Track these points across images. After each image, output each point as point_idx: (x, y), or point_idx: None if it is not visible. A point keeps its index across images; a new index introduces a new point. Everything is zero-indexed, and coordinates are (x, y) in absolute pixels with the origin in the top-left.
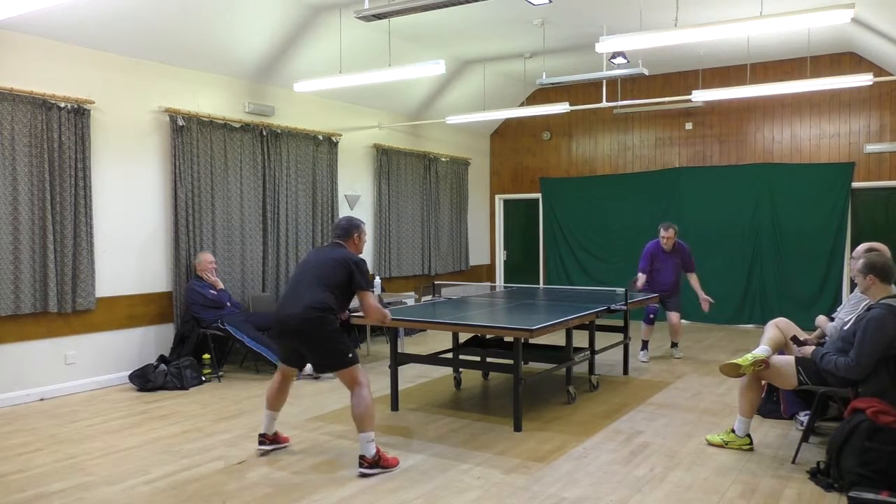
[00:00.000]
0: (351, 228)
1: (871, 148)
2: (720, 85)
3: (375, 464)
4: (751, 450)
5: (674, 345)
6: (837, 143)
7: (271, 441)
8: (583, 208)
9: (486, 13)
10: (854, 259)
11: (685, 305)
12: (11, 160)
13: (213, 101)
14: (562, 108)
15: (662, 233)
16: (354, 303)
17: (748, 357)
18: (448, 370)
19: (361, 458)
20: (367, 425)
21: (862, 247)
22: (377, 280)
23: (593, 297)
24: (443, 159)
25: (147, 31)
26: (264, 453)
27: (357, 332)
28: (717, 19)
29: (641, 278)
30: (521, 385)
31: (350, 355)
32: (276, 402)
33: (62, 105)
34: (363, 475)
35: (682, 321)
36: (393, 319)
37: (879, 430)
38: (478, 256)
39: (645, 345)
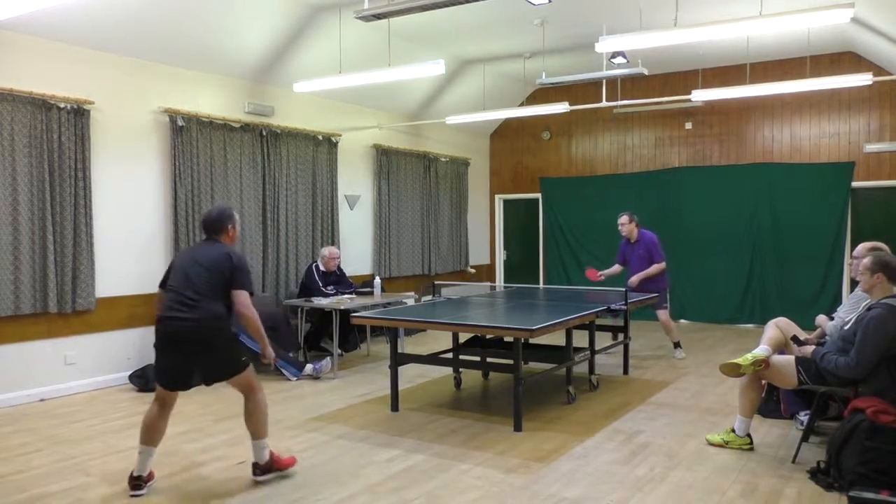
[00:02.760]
0: (223, 220)
1: (871, 147)
2: (720, 84)
3: (269, 468)
4: (751, 449)
5: (675, 346)
6: (837, 143)
7: (146, 482)
8: (583, 208)
9: (486, 13)
10: (855, 258)
11: (685, 305)
12: (11, 161)
13: (212, 101)
14: (561, 108)
15: (618, 221)
16: (356, 304)
17: (748, 357)
18: (448, 370)
19: (255, 465)
20: (262, 432)
21: (863, 246)
22: (377, 280)
23: (593, 297)
24: (442, 159)
25: (147, 31)
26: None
27: (357, 333)
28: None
29: (610, 270)
30: (521, 385)
31: (244, 358)
32: (155, 435)
33: (62, 105)
34: (258, 482)
35: (683, 321)
36: (393, 319)
37: (879, 430)
38: (478, 256)
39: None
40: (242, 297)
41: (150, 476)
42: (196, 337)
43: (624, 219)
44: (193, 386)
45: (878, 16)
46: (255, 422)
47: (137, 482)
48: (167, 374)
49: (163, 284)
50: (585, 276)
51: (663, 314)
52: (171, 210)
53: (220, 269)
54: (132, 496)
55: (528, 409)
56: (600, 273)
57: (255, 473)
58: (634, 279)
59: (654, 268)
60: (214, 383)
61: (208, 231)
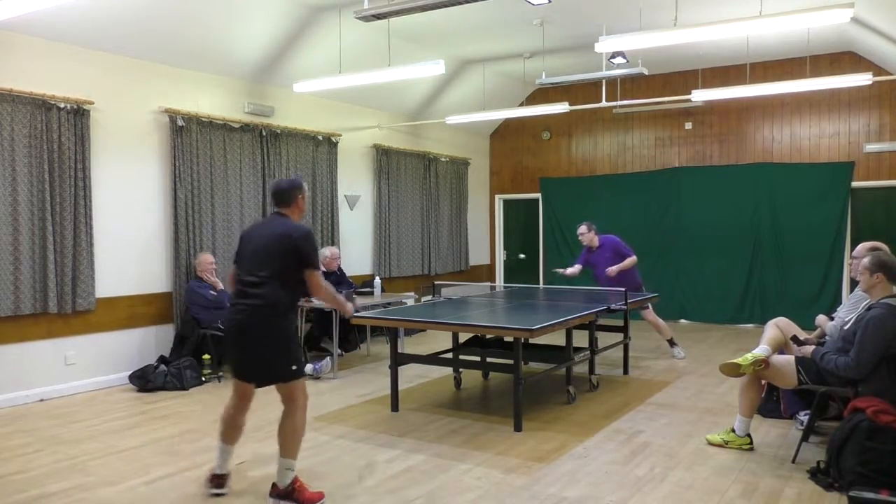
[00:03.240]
0: (293, 190)
1: (871, 147)
2: (720, 84)
3: (288, 495)
4: (751, 449)
5: (671, 344)
6: (837, 143)
7: (226, 480)
8: (583, 208)
9: (486, 13)
10: (855, 258)
11: (685, 305)
12: (11, 161)
13: (212, 101)
14: (561, 108)
15: (577, 232)
16: (357, 304)
17: (748, 356)
18: (448, 370)
19: (273, 486)
20: (291, 451)
21: (863, 246)
22: (377, 280)
23: (593, 297)
24: (442, 159)
25: (146, 31)
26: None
27: (357, 333)
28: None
29: (573, 269)
30: (521, 385)
31: (295, 367)
32: (232, 432)
33: (62, 105)
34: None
35: (683, 321)
36: (393, 320)
37: (879, 430)
38: (478, 256)
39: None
40: (313, 279)
41: (229, 476)
42: (249, 322)
43: (583, 228)
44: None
45: (877, 16)
46: (286, 437)
47: (220, 480)
48: (232, 363)
49: (235, 262)
50: (558, 272)
51: (648, 313)
52: (171, 210)
53: (282, 248)
54: (214, 494)
55: (528, 409)
56: (563, 271)
57: (270, 494)
58: (613, 269)
59: (629, 261)
60: (262, 386)
61: (277, 202)
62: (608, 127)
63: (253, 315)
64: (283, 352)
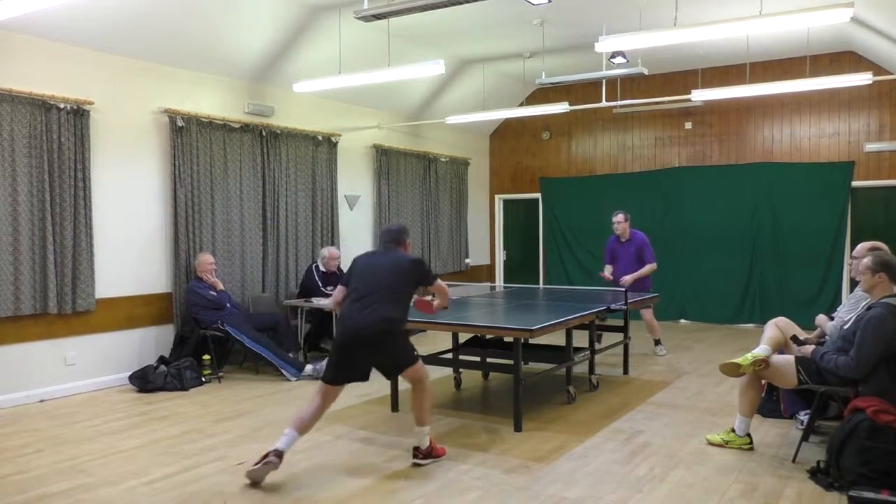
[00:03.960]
0: (403, 234)
1: (871, 147)
2: (720, 84)
3: (429, 454)
4: (751, 449)
5: (656, 343)
6: (837, 143)
7: (281, 459)
8: (583, 208)
9: (486, 13)
10: (855, 258)
11: (685, 305)
12: (11, 161)
13: (212, 101)
14: (561, 107)
15: (613, 219)
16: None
17: (748, 356)
18: (448, 370)
19: (416, 448)
20: (425, 419)
21: (863, 245)
22: None
23: (593, 297)
24: (442, 159)
25: (146, 31)
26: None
27: None
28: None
29: (608, 269)
30: (521, 385)
31: (415, 353)
32: (305, 426)
33: (61, 106)
34: (417, 465)
35: (683, 320)
36: None
37: (879, 430)
38: (478, 256)
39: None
40: (438, 285)
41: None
42: (374, 338)
43: (620, 217)
44: (365, 380)
45: (877, 15)
46: (420, 408)
47: (278, 454)
48: (342, 369)
49: (345, 283)
50: (606, 279)
51: (648, 313)
52: (171, 210)
53: (405, 272)
54: (265, 464)
55: (528, 409)
56: (608, 274)
57: (415, 457)
58: (628, 279)
59: (648, 268)
60: (395, 376)
61: (390, 241)
62: (608, 127)
63: (385, 328)
64: (406, 346)
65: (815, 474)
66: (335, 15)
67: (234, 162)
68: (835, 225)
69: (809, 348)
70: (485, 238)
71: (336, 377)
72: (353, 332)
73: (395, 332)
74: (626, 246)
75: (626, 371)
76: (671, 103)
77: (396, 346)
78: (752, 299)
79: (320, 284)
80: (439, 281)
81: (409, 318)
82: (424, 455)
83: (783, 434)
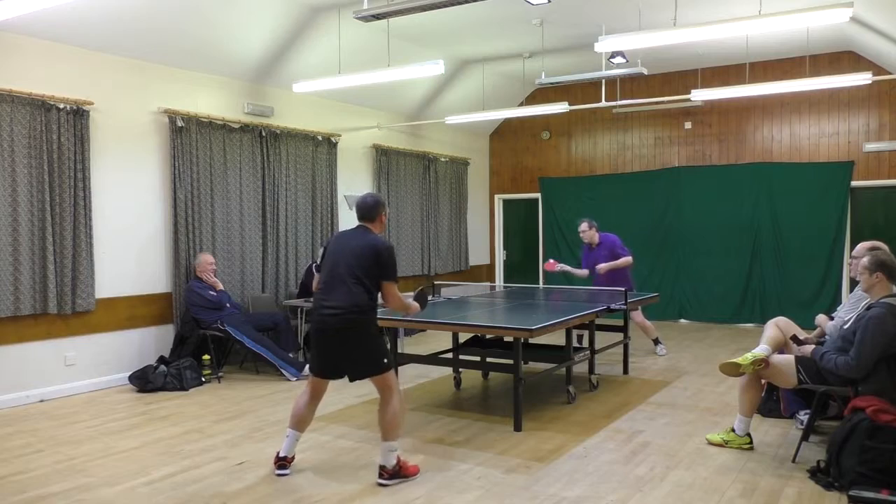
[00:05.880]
0: (377, 206)
1: (871, 147)
2: (719, 84)
3: (396, 474)
4: (751, 449)
5: (655, 342)
6: (837, 142)
7: (290, 463)
8: (582, 208)
9: (486, 13)
10: (854, 258)
11: (685, 305)
12: (11, 161)
13: (212, 101)
14: (561, 107)
15: (578, 229)
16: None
17: (748, 356)
18: (448, 370)
19: (381, 468)
20: (392, 435)
21: (863, 245)
22: None
23: (593, 297)
24: (442, 159)
25: (146, 32)
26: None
27: None
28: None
29: (576, 270)
30: (521, 385)
31: (386, 360)
32: (302, 422)
33: (61, 106)
34: (382, 485)
35: (683, 320)
36: (392, 320)
37: (879, 429)
38: (477, 256)
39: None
40: (388, 289)
41: (293, 459)
42: (338, 326)
43: (584, 226)
44: (342, 377)
45: (877, 15)
46: (387, 423)
47: (283, 462)
48: (317, 361)
49: (318, 269)
50: (545, 269)
51: (637, 315)
52: (171, 211)
53: (366, 259)
54: (278, 475)
55: (528, 409)
56: (559, 266)
57: (380, 476)
58: (603, 266)
59: (623, 260)
60: (356, 380)
61: (362, 217)
62: (608, 127)
63: (343, 317)
64: (372, 348)
65: (815, 474)
66: (335, 15)
67: (234, 162)
68: (834, 225)
69: (809, 348)
70: (485, 238)
71: (315, 369)
72: (319, 322)
73: (359, 323)
74: (599, 250)
75: (625, 371)
76: (671, 103)
77: (362, 344)
78: (751, 299)
79: None
80: (394, 287)
81: (409, 318)
82: (391, 475)
83: (783, 434)
